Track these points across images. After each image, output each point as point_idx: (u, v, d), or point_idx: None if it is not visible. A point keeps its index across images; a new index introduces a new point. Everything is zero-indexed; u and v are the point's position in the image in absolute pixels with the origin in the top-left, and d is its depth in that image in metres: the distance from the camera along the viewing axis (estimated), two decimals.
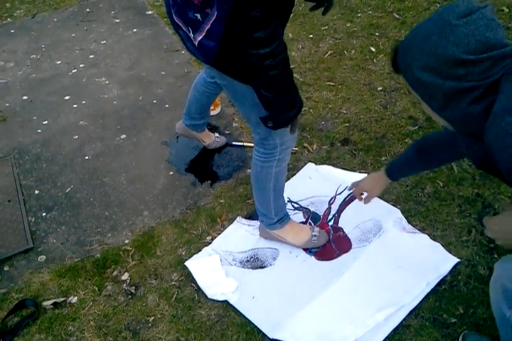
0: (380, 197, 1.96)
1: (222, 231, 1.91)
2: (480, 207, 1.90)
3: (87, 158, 2.34)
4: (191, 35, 1.19)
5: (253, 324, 1.60)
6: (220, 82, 1.40)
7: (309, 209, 1.97)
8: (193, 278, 1.74)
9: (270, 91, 1.21)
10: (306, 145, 2.24)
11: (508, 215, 1.17)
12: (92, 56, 3.07)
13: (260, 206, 1.73)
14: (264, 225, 1.80)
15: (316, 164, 2.15)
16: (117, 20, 3.44)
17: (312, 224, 1.90)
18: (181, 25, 1.23)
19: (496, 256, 1.73)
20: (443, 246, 1.77)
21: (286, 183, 1.71)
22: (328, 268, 1.75)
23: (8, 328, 1.66)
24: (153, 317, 1.66)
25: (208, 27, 1.12)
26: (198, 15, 1.12)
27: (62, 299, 1.73)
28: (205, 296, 1.69)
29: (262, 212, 1.74)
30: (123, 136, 2.45)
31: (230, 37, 1.10)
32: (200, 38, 1.16)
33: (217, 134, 2.30)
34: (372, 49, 2.81)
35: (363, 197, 1.70)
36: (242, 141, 2.32)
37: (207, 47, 1.16)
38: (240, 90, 1.33)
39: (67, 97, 2.74)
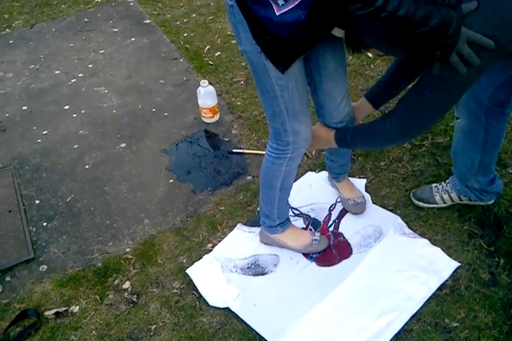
0: (380, 203, 1.97)
1: (223, 238, 1.91)
2: (479, 211, 1.90)
3: (87, 167, 2.35)
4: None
5: (255, 331, 1.60)
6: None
7: (309, 216, 1.97)
8: (194, 285, 1.74)
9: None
10: (305, 151, 2.25)
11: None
12: (90, 65, 3.09)
13: (264, 205, 1.73)
14: (266, 228, 1.80)
15: (315, 171, 2.16)
16: (115, 30, 3.46)
17: (313, 230, 1.91)
18: None
19: (496, 259, 1.74)
20: (443, 250, 1.77)
21: None
22: (329, 274, 1.75)
23: (10, 338, 1.66)
24: (155, 326, 1.66)
25: None
26: None
27: (64, 308, 1.73)
28: (207, 304, 1.69)
29: (264, 212, 1.75)
30: (123, 145, 2.46)
31: None
32: None
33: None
34: (370, 54, 2.82)
35: None
36: (241, 148, 2.33)
37: None
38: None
39: (66, 107, 2.75)
